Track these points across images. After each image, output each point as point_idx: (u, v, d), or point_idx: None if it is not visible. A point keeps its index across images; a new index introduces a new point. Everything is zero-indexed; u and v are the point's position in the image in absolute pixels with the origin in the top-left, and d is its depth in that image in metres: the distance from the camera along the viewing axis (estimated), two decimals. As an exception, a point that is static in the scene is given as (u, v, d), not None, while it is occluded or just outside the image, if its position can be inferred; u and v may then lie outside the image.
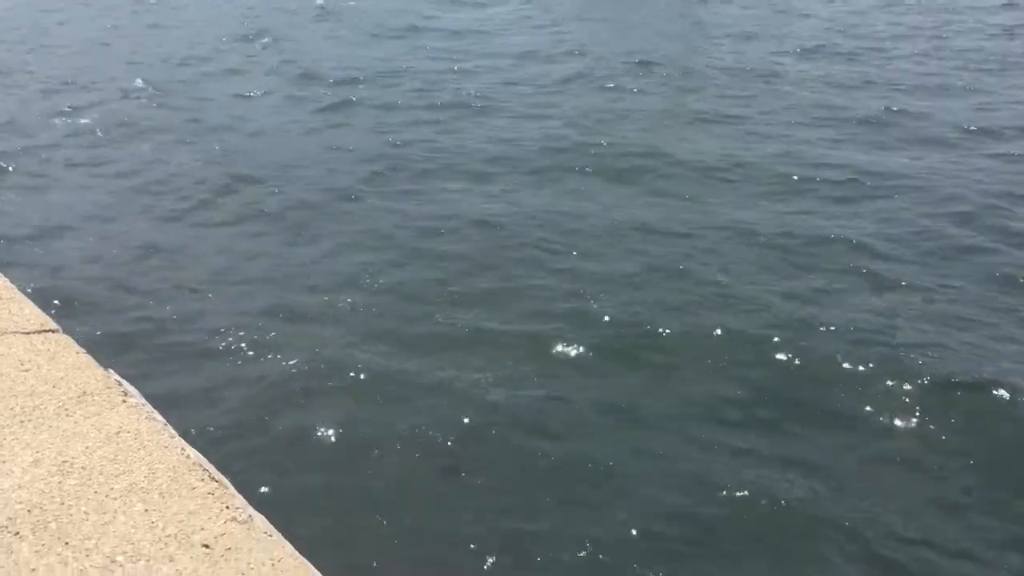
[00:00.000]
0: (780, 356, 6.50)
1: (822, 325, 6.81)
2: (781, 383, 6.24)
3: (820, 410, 5.93)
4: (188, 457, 2.38)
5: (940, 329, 6.74)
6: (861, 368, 6.32)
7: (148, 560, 1.94)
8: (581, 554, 4.71)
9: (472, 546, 4.78)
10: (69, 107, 13.28)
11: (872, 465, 5.43)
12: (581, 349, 6.61)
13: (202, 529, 2.05)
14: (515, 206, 9.40)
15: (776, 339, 6.67)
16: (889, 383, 6.14)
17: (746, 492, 5.15)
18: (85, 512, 2.08)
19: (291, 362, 6.52)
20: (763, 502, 5.06)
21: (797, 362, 6.44)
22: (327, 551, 4.13)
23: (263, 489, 4.93)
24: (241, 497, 2.40)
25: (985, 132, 11.02)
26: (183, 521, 2.06)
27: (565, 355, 6.54)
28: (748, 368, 6.39)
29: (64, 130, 12.37)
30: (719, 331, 6.82)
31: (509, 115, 12.54)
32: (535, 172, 10.41)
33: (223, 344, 6.74)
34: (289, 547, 2.12)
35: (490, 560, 4.69)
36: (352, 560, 4.61)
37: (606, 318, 7.04)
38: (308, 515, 4.89)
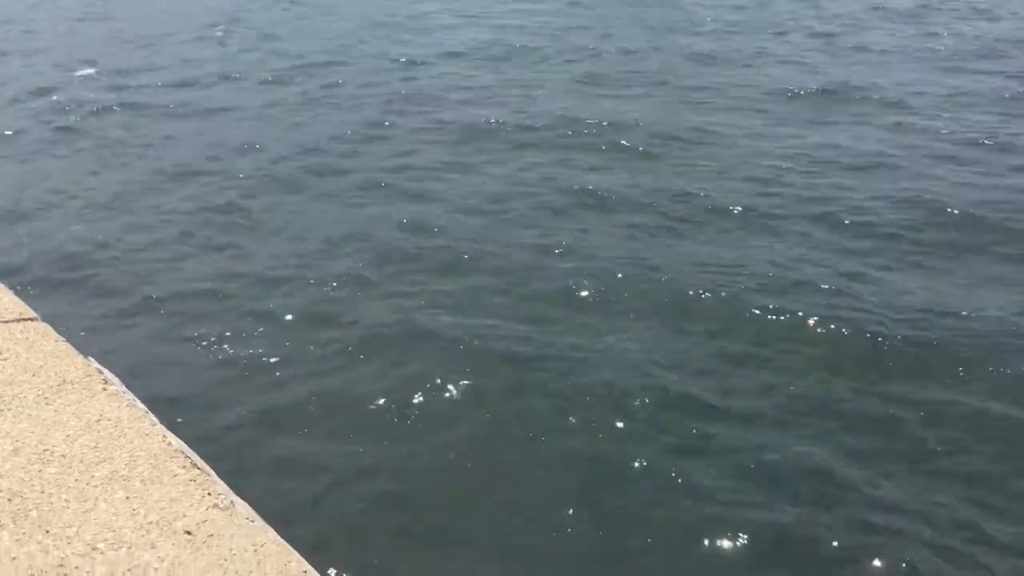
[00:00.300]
0: (756, 322, 6.65)
1: (800, 296, 6.95)
2: (758, 351, 6.35)
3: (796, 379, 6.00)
4: (169, 444, 2.38)
5: (918, 307, 6.82)
6: (831, 327, 6.49)
7: (130, 547, 1.95)
8: (557, 534, 4.75)
9: (456, 531, 4.81)
10: (36, 91, 13.13)
11: (860, 440, 5.49)
12: (561, 333, 6.64)
13: (184, 516, 2.05)
14: (495, 183, 9.42)
15: (756, 302, 6.83)
16: (856, 347, 6.30)
17: (735, 475, 5.21)
18: (66, 500, 2.08)
19: (272, 348, 6.50)
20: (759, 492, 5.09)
21: (770, 326, 6.60)
22: (310, 537, 4.16)
23: (246, 475, 4.92)
24: (223, 484, 2.40)
25: (954, 114, 11.12)
26: (165, 508, 2.07)
27: (545, 338, 6.57)
28: (727, 338, 6.50)
29: (29, 113, 12.23)
30: (703, 297, 6.97)
31: (483, 97, 12.56)
32: (517, 149, 10.49)
33: (204, 332, 6.71)
34: (272, 532, 2.13)
35: (471, 543, 4.72)
36: (335, 546, 4.63)
37: (592, 293, 7.09)
38: (291, 501, 4.90)
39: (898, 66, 13.16)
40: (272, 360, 6.34)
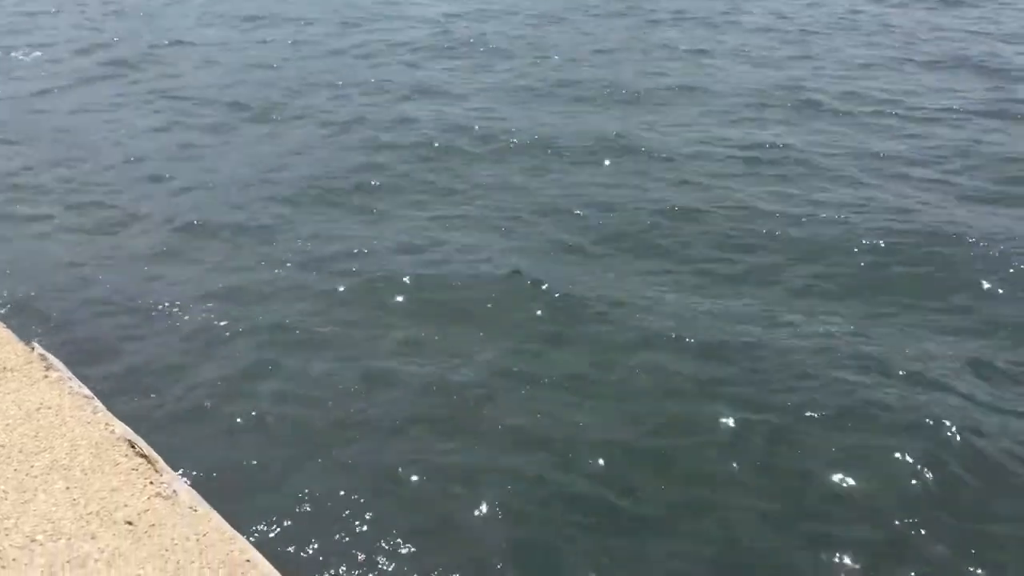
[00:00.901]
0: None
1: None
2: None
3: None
4: (113, 432, 2.35)
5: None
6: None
7: (69, 539, 1.93)
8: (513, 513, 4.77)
9: (414, 520, 4.80)
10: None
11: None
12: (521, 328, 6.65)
13: (125, 506, 2.04)
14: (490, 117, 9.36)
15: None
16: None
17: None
18: (4, 491, 2.06)
19: (235, 333, 6.42)
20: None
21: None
22: (264, 524, 4.14)
23: (197, 463, 4.87)
24: (170, 471, 2.38)
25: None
26: (105, 498, 2.05)
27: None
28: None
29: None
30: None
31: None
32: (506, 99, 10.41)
33: (157, 318, 6.60)
34: (216, 520, 2.11)
35: (434, 533, 4.72)
36: (290, 534, 4.61)
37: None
38: (245, 488, 4.86)
39: (839, 59, 13.09)
40: (236, 345, 6.26)
